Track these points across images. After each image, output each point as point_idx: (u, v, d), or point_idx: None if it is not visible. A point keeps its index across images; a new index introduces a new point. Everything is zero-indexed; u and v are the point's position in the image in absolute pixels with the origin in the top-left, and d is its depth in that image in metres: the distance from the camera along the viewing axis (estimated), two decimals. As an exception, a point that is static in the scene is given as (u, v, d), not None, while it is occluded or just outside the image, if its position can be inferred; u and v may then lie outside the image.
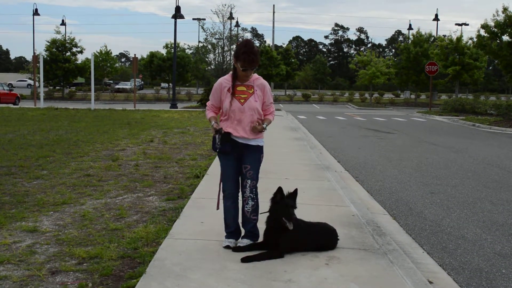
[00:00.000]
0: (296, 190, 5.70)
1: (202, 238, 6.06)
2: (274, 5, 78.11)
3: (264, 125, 5.70)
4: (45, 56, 51.90)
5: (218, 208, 5.90)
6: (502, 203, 9.21)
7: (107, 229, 6.46)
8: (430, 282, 5.15)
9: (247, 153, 5.68)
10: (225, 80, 5.73)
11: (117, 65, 74.07)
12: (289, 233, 5.51)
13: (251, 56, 5.45)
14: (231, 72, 5.76)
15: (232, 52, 54.80)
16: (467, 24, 78.11)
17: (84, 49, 57.54)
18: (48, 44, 55.48)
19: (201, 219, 6.83)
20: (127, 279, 4.86)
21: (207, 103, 5.93)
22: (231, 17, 56.54)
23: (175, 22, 37.85)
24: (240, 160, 5.71)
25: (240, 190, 5.81)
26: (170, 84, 62.38)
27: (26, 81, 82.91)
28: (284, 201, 5.53)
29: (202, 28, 50.24)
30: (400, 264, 5.46)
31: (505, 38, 30.40)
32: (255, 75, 5.72)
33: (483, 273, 5.79)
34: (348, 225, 6.82)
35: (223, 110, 5.72)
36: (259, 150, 5.75)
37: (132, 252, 5.61)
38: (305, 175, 10.54)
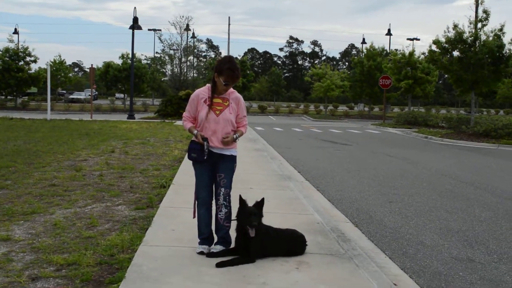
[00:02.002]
0: (263, 199, 5.99)
1: (176, 245, 6.26)
2: (229, 17, 78.62)
3: (235, 136, 5.98)
4: (-2, 65, 50.98)
5: (194, 216, 6.12)
6: (456, 212, 9.68)
7: (80, 237, 6.59)
8: (395, 285, 5.47)
9: (221, 162, 5.95)
10: (202, 92, 6.00)
11: (70, 74, 73.21)
12: (259, 239, 5.77)
13: (235, 72, 5.78)
14: (208, 85, 6.04)
15: (188, 63, 55.02)
16: (418, 39, 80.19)
17: (38, 59, 56.66)
18: (1, 52, 54.48)
19: (172, 227, 7.02)
20: (107, 284, 5.03)
21: (183, 114, 6.14)
22: (187, 29, 56.81)
23: (133, 33, 37.78)
24: (214, 169, 5.97)
25: (214, 197, 6.05)
26: (125, 94, 62.01)
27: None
28: (246, 209, 5.79)
29: (160, 39, 50.51)
30: (365, 267, 5.79)
31: (456, 53, 31.46)
32: (231, 89, 6.00)
33: (442, 276, 6.17)
34: (314, 232, 7.12)
35: (198, 121, 5.95)
36: (232, 159, 6.02)
37: (108, 258, 5.77)
38: (268, 184, 10.83)
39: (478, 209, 9.94)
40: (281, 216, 7.86)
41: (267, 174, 12.35)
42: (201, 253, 5.92)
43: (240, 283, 5.12)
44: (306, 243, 6.26)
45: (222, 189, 5.96)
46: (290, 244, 6.12)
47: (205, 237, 6.06)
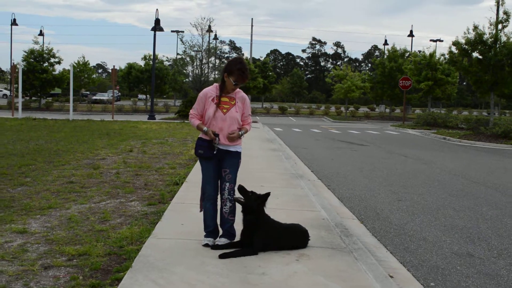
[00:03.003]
0: (268, 193, 6.25)
1: (183, 238, 6.53)
2: (252, 19, 79.18)
3: (241, 133, 6.27)
4: (23, 66, 51.83)
5: (201, 210, 6.41)
6: (464, 210, 9.82)
7: (93, 230, 6.90)
8: (391, 276, 5.68)
9: (227, 158, 6.24)
10: (210, 91, 6.30)
11: (94, 76, 74.10)
12: (263, 233, 6.04)
13: (245, 73, 6.14)
14: (215, 84, 6.35)
15: (210, 65, 55.44)
16: (442, 40, 79.46)
17: (62, 60, 57.55)
18: (26, 54, 55.42)
19: (181, 222, 7.30)
20: (115, 273, 5.32)
21: (190, 112, 6.43)
22: (209, 30, 57.19)
23: (155, 35, 38.28)
24: (220, 165, 6.25)
25: (219, 192, 6.33)
26: (147, 95, 62.66)
27: (1, 91, 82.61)
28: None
29: (181, 40, 50.95)
30: (364, 260, 6.00)
31: (475, 55, 31.38)
32: (237, 89, 6.31)
33: (440, 270, 6.36)
34: (318, 227, 7.35)
35: (205, 118, 6.24)
36: (237, 155, 6.30)
37: (118, 249, 6.07)
38: (279, 182, 11.06)
39: (485, 208, 10.07)
40: (288, 212, 8.09)
41: (280, 172, 12.58)
42: (206, 245, 6.19)
43: (240, 273, 5.37)
44: (309, 237, 6.48)
45: (227, 184, 6.23)
46: (293, 238, 6.35)
47: (210, 230, 6.34)
